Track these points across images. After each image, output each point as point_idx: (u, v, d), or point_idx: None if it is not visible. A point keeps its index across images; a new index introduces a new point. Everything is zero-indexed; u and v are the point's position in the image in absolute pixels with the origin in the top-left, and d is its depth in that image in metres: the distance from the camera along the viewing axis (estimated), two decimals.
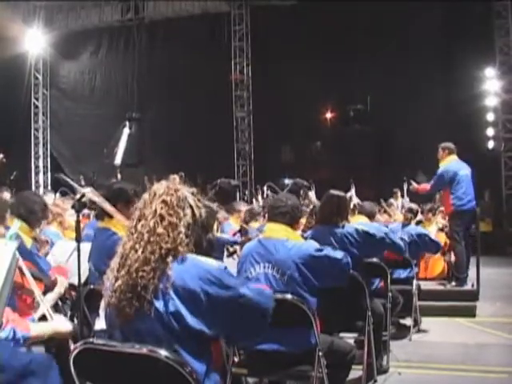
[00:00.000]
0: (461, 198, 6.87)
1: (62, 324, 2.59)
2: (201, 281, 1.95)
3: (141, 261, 1.96)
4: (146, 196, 2.09)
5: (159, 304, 1.92)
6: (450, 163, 7.04)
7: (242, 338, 2.44)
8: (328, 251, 3.22)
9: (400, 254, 4.95)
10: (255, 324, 2.13)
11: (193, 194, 2.12)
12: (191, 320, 1.92)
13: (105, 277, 2.09)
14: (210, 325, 1.96)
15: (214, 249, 4.08)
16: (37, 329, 2.51)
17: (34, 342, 3.63)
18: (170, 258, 1.96)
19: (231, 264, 3.47)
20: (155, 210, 2.01)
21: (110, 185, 4.01)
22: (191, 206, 2.07)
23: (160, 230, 1.98)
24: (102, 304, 2.13)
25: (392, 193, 10.65)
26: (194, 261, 2.01)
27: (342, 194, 4.45)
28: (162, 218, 2.00)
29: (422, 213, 9.12)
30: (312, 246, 3.23)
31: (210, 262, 2.03)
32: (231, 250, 4.00)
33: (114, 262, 2.05)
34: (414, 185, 7.93)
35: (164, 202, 2.03)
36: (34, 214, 3.58)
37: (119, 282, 1.97)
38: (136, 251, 1.98)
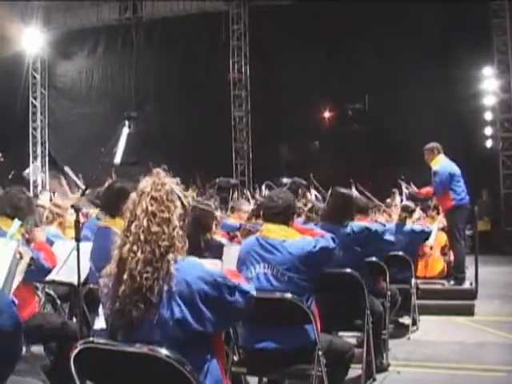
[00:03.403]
0: (459, 193, 6.91)
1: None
2: (204, 284, 1.95)
3: (142, 262, 1.93)
4: (133, 195, 2.05)
5: (164, 310, 1.91)
6: (443, 161, 7.06)
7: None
8: (321, 243, 3.23)
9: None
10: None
11: (177, 183, 2.10)
12: (196, 325, 1.93)
13: (100, 281, 2.05)
14: (211, 325, 1.97)
15: (211, 249, 4.08)
16: None
17: (34, 340, 3.64)
18: (170, 256, 1.95)
19: (235, 250, 3.48)
20: (146, 208, 1.98)
21: (111, 184, 4.00)
22: (179, 197, 2.06)
23: (155, 228, 1.96)
24: (101, 307, 2.10)
25: (390, 193, 10.63)
26: (197, 264, 2.01)
27: (348, 192, 4.49)
28: (154, 215, 1.97)
29: (422, 210, 9.11)
30: (308, 242, 3.23)
31: (212, 266, 2.03)
32: (231, 234, 4.03)
33: (111, 268, 2.00)
34: (414, 188, 7.60)
35: (153, 198, 1.99)
36: (20, 211, 3.62)
37: (123, 287, 1.93)
38: (135, 253, 1.94)
